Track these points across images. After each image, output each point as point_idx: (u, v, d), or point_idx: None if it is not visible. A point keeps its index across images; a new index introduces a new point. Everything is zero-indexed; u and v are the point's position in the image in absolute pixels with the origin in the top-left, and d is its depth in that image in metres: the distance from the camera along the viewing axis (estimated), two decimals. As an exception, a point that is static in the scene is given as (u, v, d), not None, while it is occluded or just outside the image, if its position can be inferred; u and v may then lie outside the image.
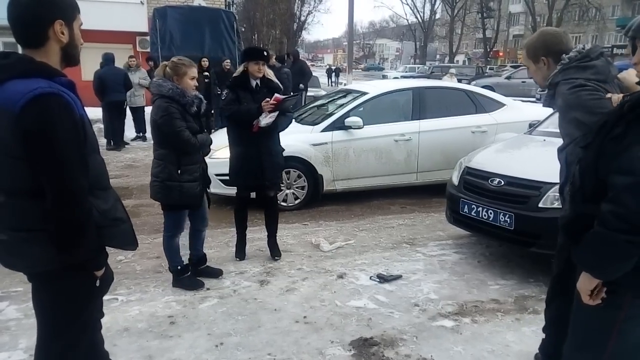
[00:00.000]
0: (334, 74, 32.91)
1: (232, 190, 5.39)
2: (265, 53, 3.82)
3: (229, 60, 10.34)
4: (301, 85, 10.73)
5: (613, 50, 34.45)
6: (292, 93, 3.94)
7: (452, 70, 16.09)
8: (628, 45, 2.24)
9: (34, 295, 1.77)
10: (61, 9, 1.58)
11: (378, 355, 2.74)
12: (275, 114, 3.69)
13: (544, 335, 2.53)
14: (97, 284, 1.73)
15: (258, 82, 3.79)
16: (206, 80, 9.61)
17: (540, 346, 2.54)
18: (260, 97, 3.71)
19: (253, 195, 4.12)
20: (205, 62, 9.91)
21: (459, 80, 15.59)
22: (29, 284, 1.80)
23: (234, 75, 3.95)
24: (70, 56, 1.64)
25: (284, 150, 4.07)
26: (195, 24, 11.57)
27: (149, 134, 10.61)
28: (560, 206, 2.44)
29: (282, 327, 3.01)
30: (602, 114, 1.97)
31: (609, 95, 2.10)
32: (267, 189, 3.99)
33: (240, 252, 4.10)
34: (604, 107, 2.04)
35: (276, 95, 3.68)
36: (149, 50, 12.21)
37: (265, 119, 3.66)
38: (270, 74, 3.87)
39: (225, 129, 6.81)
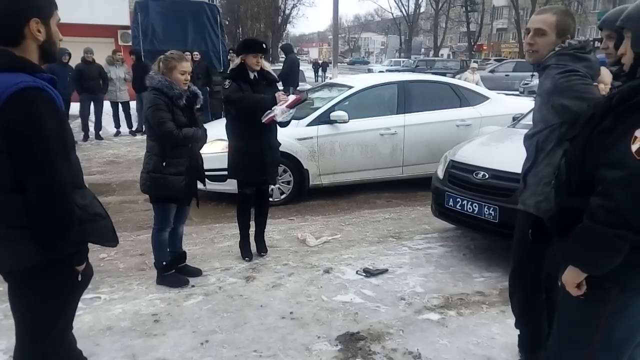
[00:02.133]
0: (320, 68, 31.86)
1: (216, 186, 5.38)
2: (264, 46, 3.80)
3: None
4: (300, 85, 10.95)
5: (594, 44, 34.91)
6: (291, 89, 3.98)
7: (474, 65, 13.08)
8: (604, 39, 2.25)
9: (12, 295, 1.72)
10: (36, 7, 1.55)
11: (365, 349, 2.74)
12: (293, 111, 3.71)
13: (518, 331, 2.55)
14: (79, 279, 1.71)
15: (256, 74, 3.77)
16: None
17: (519, 342, 2.56)
18: (259, 89, 3.73)
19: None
20: (188, 56, 9.80)
21: (443, 74, 15.58)
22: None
23: (231, 67, 3.92)
24: (48, 53, 1.62)
25: (280, 144, 4.06)
26: (178, 17, 11.38)
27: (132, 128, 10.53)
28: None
29: (268, 324, 3.00)
30: (589, 100, 1.98)
31: (595, 83, 2.11)
32: (263, 183, 3.97)
33: (247, 252, 4.01)
34: (592, 93, 2.04)
35: (297, 95, 3.75)
36: (130, 44, 12.00)
37: (283, 116, 3.66)
38: (267, 66, 3.86)
39: (209, 124, 6.75)
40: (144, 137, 3.43)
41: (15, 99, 1.45)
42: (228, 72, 4.00)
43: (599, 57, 2.73)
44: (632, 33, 1.55)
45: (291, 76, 10.52)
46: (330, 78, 15.80)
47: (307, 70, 21.37)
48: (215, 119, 9.29)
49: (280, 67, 10.79)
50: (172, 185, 3.26)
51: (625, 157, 1.42)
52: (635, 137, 1.41)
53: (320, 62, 33.34)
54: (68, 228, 1.56)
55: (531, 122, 4.36)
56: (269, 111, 3.67)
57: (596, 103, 1.69)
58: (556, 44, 2.18)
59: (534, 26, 2.22)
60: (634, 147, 1.41)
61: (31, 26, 1.53)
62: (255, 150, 3.75)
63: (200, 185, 3.60)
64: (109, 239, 1.80)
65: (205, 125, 3.89)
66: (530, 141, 2.27)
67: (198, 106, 3.47)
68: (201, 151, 3.56)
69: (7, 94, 1.44)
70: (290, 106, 3.68)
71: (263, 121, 3.66)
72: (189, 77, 3.34)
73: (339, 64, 19.26)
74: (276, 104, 3.67)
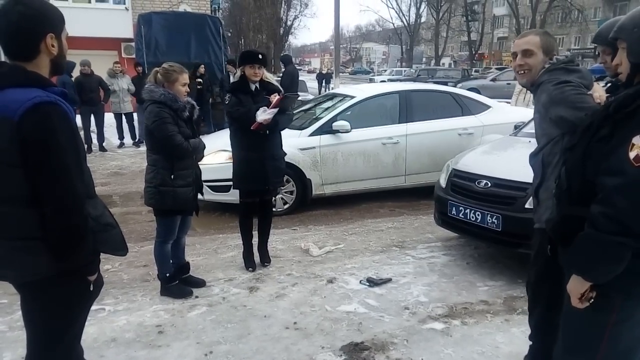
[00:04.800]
0: (324, 79, 30.91)
1: (220, 197, 5.39)
2: (260, 56, 3.81)
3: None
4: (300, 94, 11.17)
5: (595, 52, 35.00)
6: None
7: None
8: (601, 54, 2.27)
9: (24, 306, 1.74)
10: (51, 23, 1.60)
11: (369, 359, 2.73)
12: (274, 111, 3.66)
13: (531, 342, 2.53)
14: (91, 289, 1.74)
15: (257, 85, 3.79)
16: (198, 87, 9.57)
17: (529, 353, 2.54)
18: (259, 100, 3.74)
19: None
20: (202, 69, 9.96)
21: (445, 83, 15.60)
22: (14, 296, 1.77)
23: (233, 80, 3.98)
24: (58, 66, 1.67)
25: (285, 154, 4.06)
26: (181, 29, 11.50)
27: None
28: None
29: (272, 334, 2.99)
30: (584, 109, 2.00)
31: (589, 92, 2.13)
32: (265, 194, 3.97)
33: (251, 262, 4.02)
34: (586, 102, 2.06)
35: (279, 96, 3.71)
36: (134, 56, 12.12)
37: (263, 115, 3.63)
38: (269, 77, 3.88)
39: (212, 135, 6.79)
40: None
41: (31, 114, 1.48)
42: (229, 83, 4.05)
43: (595, 67, 2.76)
44: (626, 43, 1.57)
45: (292, 87, 10.64)
46: (333, 88, 15.82)
47: (309, 80, 21.37)
48: (218, 130, 9.37)
49: (280, 78, 10.90)
50: (181, 197, 3.28)
51: (623, 165, 1.43)
52: (633, 144, 1.43)
53: (324, 72, 32.64)
54: (82, 239, 1.59)
55: (532, 131, 4.37)
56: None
57: (594, 112, 1.70)
58: (544, 62, 2.25)
59: (520, 49, 2.29)
60: (632, 154, 1.42)
61: (47, 41, 1.58)
62: (257, 160, 3.77)
63: (198, 196, 3.61)
64: (120, 249, 1.83)
65: (208, 136, 3.92)
66: (536, 158, 2.28)
67: (202, 117, 3.50)
68: (205, 162, 3.59)
69: (23, 109, 1.48)
70: (274, 106, 3.64)
71: (251, 128, 3.67)
72: (188, 89, 3.37)
73: (340, 74, 19.28)
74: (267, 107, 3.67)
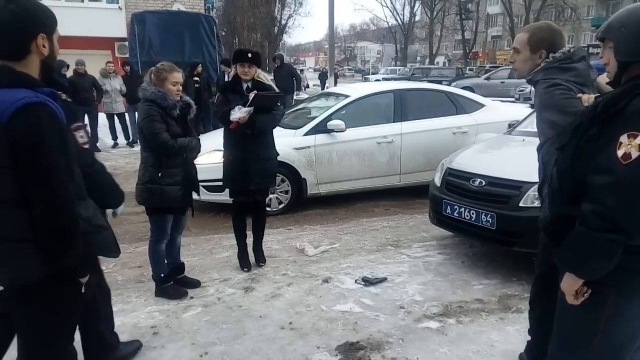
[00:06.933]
0: (327, 79, 30.06)
1: (215, 197, 5.38)
2: (249, 55, 3.76)
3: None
4: (297, 93, 11.31)
5: (589, 50, 35.20)
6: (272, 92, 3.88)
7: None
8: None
9: (16, 308, 1.72)
10: (43, 23, 1.60)
11: (364, 359, 2.73)
12: (249, 109, 3.59)
13: (529, 338, 2.53)
14: (83, 291, 1.72)
15: (249, 84, 3.76)
16: (196, 86, 9.54)
17: (526, 349, 2.54)
18: (248, 99, 3.70)
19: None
20: (200, 69, 9.95)
21: (439, 82, 15.63)
22: (7, 297, 1.75)
23: (227, 79, 3.95)
24: (49, 67, 1.65)
25: (278, 154, 4.02)
26: (175, 29, 11.46)
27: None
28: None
29: (267, 334, 2.99)
30: (573, 113, 2.01)
31: (579, 94, 2.14)
32: (254, 194, 3.94)
33: (245, 262, 4.00)
34: (575, 106, 2.08)
35: (255, 93, 3.63)
36: (127, 55, 12.07)
37: (236, 114, 3.59)
38: (262, 76, 3.81)
39: (207, 135, 6.76)
40: (142, 148, 3.43)
41: (19, 115, 1.47)
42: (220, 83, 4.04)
43: (593, 63, 2.76)
44: (613, 43, 1.60)
45: (291, 86, 10.74)
46: (327, 87, 15.83)
47: (312, 79, 21.32)
48: (215, 130, 9.34)
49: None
50: (168, 195, 3.26)
51: (612, 163, 1.46)
52: (621, 143, 1.45)
53: (327, 71, 32.00)
54: (73, 240, 1.58)
55: (526, 129, 4.38)
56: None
57: (582, 112, 1.72)
58: (534, 59, 2.28)
59: (513, 45, 2.42)
60: (619, 153, 1.45)
61: (38, 41, 1.57)
62: (241, 159, 3.76)
63: (194, 196, 3.59)
64: (111, 250, 1.82)
65: (204, 136, 3.91)
66: (539, 155, 2.31)
67: (191, 116, 3.47)
68: (199, 162, 3.57)
69: (11, 110, 1.46)
70: (249, 104, 3.59)
71: (230, 127, 3.65)
72: (180, 88, 3.35)
73: (336, 72, 19.26)
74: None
